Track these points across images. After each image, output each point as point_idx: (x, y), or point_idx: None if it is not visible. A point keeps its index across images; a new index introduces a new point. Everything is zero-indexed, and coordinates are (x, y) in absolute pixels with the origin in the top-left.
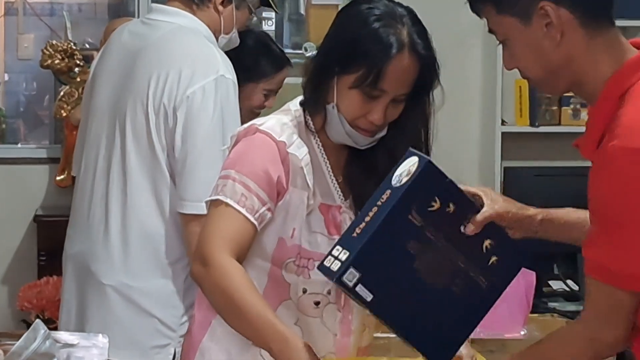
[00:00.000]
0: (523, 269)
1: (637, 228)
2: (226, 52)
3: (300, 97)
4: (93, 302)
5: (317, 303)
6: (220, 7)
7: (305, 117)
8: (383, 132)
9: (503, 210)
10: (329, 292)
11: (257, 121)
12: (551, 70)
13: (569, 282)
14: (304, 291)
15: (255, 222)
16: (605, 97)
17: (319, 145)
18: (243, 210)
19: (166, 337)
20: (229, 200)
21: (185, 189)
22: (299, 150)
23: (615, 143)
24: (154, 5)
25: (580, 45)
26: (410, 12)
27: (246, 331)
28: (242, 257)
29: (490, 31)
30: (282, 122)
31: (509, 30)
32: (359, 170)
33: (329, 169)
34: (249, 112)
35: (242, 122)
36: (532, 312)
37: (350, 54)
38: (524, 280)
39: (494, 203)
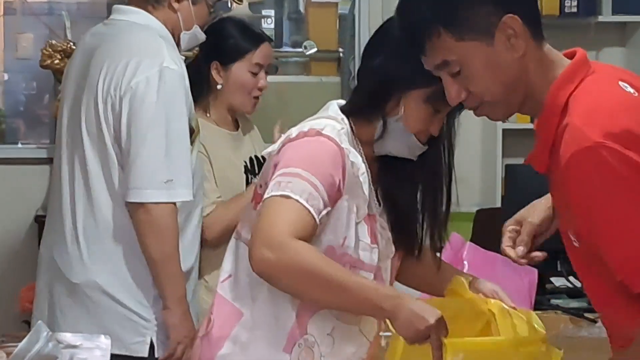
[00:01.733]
0: (525, 267)
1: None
2: (208, 39)
3: (336, 103)
4: (64, 300)
5: None
6: (175, 5)
7: (351, 127)
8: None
9: None
10: None
11: (314, 125)
12: (510, 84)
13: (572, 278)
14: None
15: (318, 223)
16: (548, 108)
17: (362, 155)
18: (311, 209)
19: (141, 326)
20: (297, 197)
21: (130, 177)
22: (357, 159)
23: (573, 151)
24: (115, 6)
25: (534, 56)
26: None
27: (346, 302)
28: None
29: (442, 64)
30: (336, 128)
31: (468, 55)
32: (394, 179)
33: (370, 179)
34: (245, 95)
35: (243, 106)
36: (535, 309)
37: (426, 70)
38: (527, 277)
39: None
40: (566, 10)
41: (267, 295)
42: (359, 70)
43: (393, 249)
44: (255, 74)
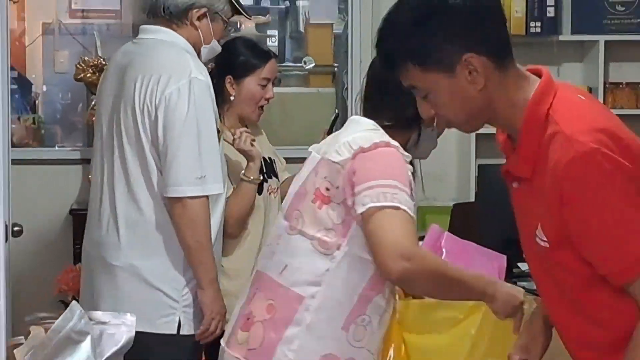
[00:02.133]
0: (495, 253)
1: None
2: (222, 56)
3: (364, 118)
4: (104, 282)
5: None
6: (196, 23)
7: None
8: None
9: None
10: None
11: (377, 137)
12: (473, 112)
13: None
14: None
15: None
16: (530, 122)
17: None
18: (414, 217)
19: (171, 307)
20: (405, 208)
21: (168, 176)
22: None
23: (571, 157)
24: (142, 26)
25: (498, 86)
26: None
27: (462, 293)
28: None
29: (411, 87)
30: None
31: (433, 85)
32: None
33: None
34: (253, 106)
35: (251, 116)
36: None
37: None
38: (497, 263)
39: None
40: (531, 30)
41: (332, 282)
42: (389, 87)
43: None
44: (263, 87)
